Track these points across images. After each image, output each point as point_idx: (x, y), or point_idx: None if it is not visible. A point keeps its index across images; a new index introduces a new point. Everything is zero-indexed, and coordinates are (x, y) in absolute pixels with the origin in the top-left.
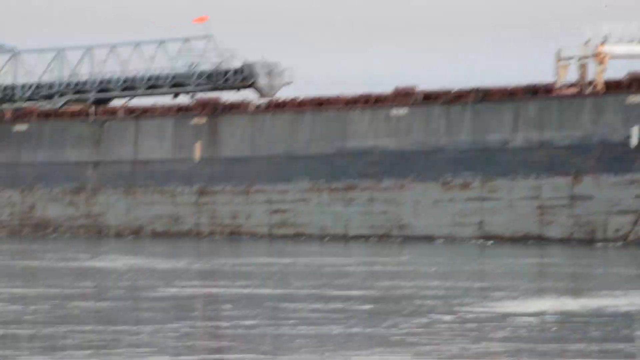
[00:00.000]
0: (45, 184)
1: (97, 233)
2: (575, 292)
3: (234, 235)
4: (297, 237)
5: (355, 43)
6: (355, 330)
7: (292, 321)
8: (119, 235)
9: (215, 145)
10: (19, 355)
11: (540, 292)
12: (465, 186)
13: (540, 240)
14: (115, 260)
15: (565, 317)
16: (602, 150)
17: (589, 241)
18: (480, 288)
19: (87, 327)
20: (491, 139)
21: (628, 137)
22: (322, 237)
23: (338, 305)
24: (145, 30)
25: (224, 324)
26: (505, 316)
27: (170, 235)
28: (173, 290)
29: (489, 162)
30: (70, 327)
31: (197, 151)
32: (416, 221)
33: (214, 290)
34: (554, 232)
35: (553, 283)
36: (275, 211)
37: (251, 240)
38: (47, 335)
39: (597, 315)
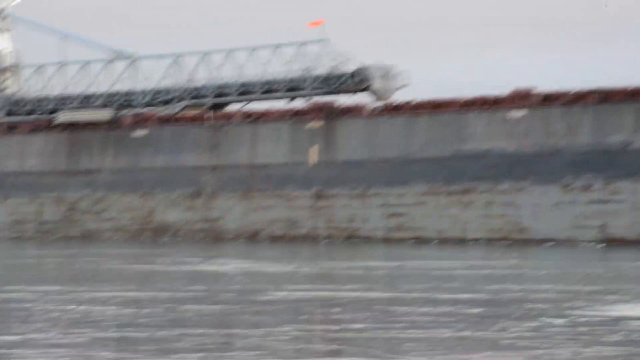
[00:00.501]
0: (164, 188)
1: (214, 237)
2: None
3: (351, 239)
4: (414, 240)
5: (471, 44)
6: (465, 333)
7: (401, 324)
8: (236, 239)
9: (331, 149)
10: (135, 357)
11: None
12: (586, 188)
13: None
14: (226, 264)
15: None
16: None
17: None
18: (592, 291)
19: (199, 330)
20: (612, 141)
21: None
22: (439, 241)
23: (447, 308)
24: (260, 35)
25: (334, 327)
26: (617, 320)
27: (287, 239)
28: (283, 294)
29: (610, 163)
30: (183, 331)
31: (313, 155)
32: (535, 224)
33: (323, 293)
34: None
35: None
36: (392, 215)
37: (367, 244)
38: (161, 338)
39: None
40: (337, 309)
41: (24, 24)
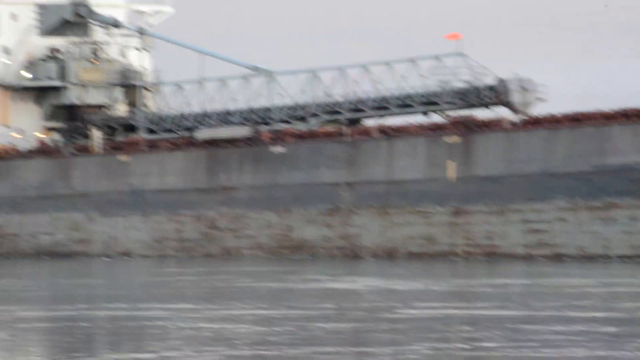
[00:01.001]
0: (302, 205)
1: (352, 254)
2: None
3: (490, 256)
4: (555, 257)
5: (611, 56)
6: (599, 353)
7: (533, 343)
8: (374, 256)
9: (470, 164)
10: None
11: None
12: None
13: None
14: (356, 282)
15: None
16: None
17: None
18: None
19: (330, 349)
20: None
21: None
22: (580, 258)
23: (580, 327)
24: (397, 49)
25: (465, 345)
26: None
27: (424, 257)
28: (413, 312)
29: None
30: (314, 349)
31: (451, 170)
32: None
33: (454, 311)
34: None
35: None
36: (532, 231)
37: (506, 261)
38: (292, 356)
39: None
40: (468, 327)
41: (164, 42)
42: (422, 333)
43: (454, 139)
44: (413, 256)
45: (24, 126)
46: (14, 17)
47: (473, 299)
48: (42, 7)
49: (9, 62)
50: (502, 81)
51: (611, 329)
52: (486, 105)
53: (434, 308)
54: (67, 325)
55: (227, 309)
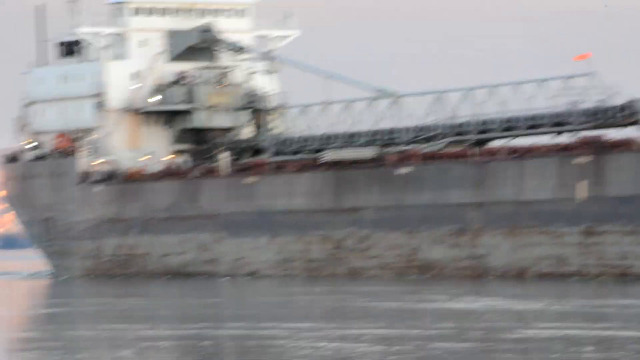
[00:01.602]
0: (429, 225)
1: (480, 275)
2: None
3: (622, 276)
4: None
5: None
6: None
7: None
8: (502, 277)
9: (601, 184)
10: None
11: None
12: None
13: None
14: (474, 302)
15: None
16: None
17: None
18: None
19: None
20: None
21: None
22: None
23: None
24: (525, 70)
25: None
26: None
27: (555, 277)
28: (531, 332)
29: None
30: None
31: (582, 190)
32: None
33: (573, 332)
34: None
35: None
36: None
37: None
38: None
39: None
40: (589, 348)
41: (290, 65)
42: (542, 353)
43: (584, 159)
44: (543, 277)
45: (153, 149)
46: (143, 43)
47: (596, 319)
48: (171, 34)
49: (139, 87)
50: (633, 101)
51: None
52: (617, 126)
53: (554, 328)
54: (189, 344)
55: (345, 328)
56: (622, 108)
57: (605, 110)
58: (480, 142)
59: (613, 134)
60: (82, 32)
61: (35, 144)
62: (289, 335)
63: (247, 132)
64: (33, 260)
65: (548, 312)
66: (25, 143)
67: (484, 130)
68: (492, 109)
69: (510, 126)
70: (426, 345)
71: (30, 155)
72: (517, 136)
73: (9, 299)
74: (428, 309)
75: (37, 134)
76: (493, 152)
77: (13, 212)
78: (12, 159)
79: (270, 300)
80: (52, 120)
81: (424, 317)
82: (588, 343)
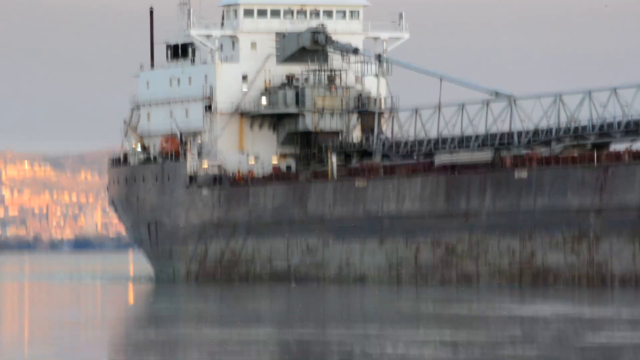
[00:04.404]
0: (545, 231)
1: (599, 282)
2: None
3: None
4: None
5: None
6: None
7: None
8: (623, 283)
9: None
10: None
11: None
12: None
13: None
14: (536, 308)
15: None
16: None
17: None
18: None
19: None
20: None
21: None
22: None
23: None
24: None
25: None
26: None
27: None
28: (597, 339)
29: None
30: None
31: None
32: None
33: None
34: None
35: None
36: None
37: None
38: None
39: None
40: None
41: (401, 67)
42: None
43: None
44: None
45: (260, 152)
46: (253, 45)
47: None
48: (281, 36)
49: (247, 90)
50: None
51: None
52: None
53: (624, 336)
54: (254, 348)
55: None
56: None
57: None
58: (600, 146)
59: None
60: (193, 34)
61: (142, 146)
62: (356, 341)
63: (356, 135)
64: (112, 262)
65: (619, 319)
66: (132, 146)
67: (604, 133)
68: (613, 111)
69: (632, 129)
70: (494, 352)
71: (138, 157)
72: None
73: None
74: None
75: (144, 136)
76: (616, 156)
77: (117, 214)
78: (119, 161)
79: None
80: (160, 122)
81: (492, 322)
82: None
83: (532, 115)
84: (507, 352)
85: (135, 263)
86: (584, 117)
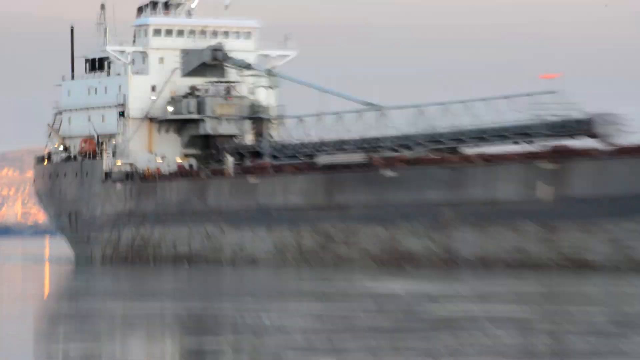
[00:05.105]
0: (407, 220)
1: (451, 264)
2: None
3: (580, 266)
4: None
5: None
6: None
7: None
8: (471, 266)
9: (563, 186)
10: (313, 358)
11: None
12: None
13: None
14: (391, 284)
15: None
16: None
17: None
18: None
19: (369, 338)
20: None
21: None
22: None
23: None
24: (495, 86)
25: (481, 337)
26: None
27: (519, 267)
28: (437, 310)
29: None
30: (354, 338)
31: (544, 192)
32: None
33: (471, 310)
34: None
35: None
36: (617, 244)
37: (592, 271)
38: (335, 344)
39: None
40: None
41: (288, 80)
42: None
43: (547, 165)
44: (508, 266)
45: (166, 153)
46: (161, 60)
47: (493, 299)
48: (185, 52)
49: (156, 99)
50: (591, 115)
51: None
52: (576, 137)
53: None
54: (153, 320)
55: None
56: (582, 122)
57: (566, 124)
58: (454, 149)
59: (574, 143)
60: (108, 49)
61: (64, 147)
62: (230, 313)
63: (249, 138)
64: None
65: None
66: (55, 146)
67: (457, 139)
68: (465, 121)
69: (480, 136)
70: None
71: (60, 156)
72: (486, 144)
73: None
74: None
75: (65, 138)
76: (466, 158)
77: (41, 205)
78: (44, 159)
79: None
80: (79, 126)
81: (344, 296)
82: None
83: (398, 123)
84: (361, 323)
85: (52, 247)
86: (440, 126)
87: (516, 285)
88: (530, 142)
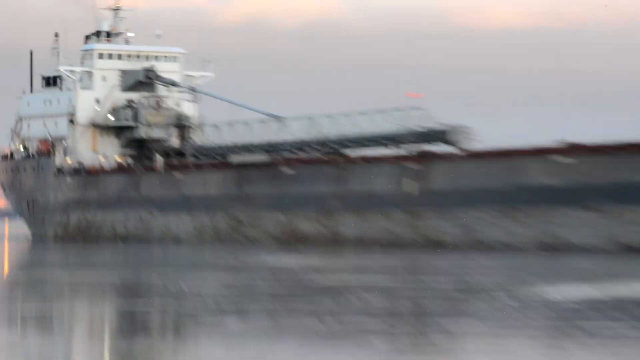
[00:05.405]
0: (303, 208)
1: (337, 244)
2: None
3: (438, 246)
4: (481, 247)
5: (521, 107)
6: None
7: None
8: (352, 244)
9: (425, 182)
10: (221, 318)
11: None
12: (606, 211)
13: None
14: (285, 259)
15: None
16: None
17: None
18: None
19: (266, 302)
20: (620, 179)
21: None
22: (505, 248)
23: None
24: (372, 102)
25: (355, 301)
26: None
27: (389, 245)
28: (321, 280)
29: (619, 193)
30: (254, 302)
31: (411, 187)
32: (567, 234)
33: (348, 279)
34: None
35: None
36: (465, 228)
37: (447, 248)
38: (239, 307)
39: None
40: (356, 291)
41: (207, 95)
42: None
43: (414, 165)
44: (380, 245)
45: (107, 152)
46: (104, 78)
47: (367, 271)
48: (123, 72)
49: (99, 109)
50: (448, 126)
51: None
52: (435, 143)
53: (340, 278)
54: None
55: (198, 275)
56: (440, 131)
57: (428, 133)
58: (340, 152)
59: (435, 148)
60: (61, 69)
61: (24, 147)
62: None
63: (175, 142)
64: None
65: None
66: (17, 146)
67: (343, 144)
68: (348, 129)
69: (361, 141)
70: (252, 283)
71: (20, 154)
72: (365, 148)
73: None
74: (248, 264)
75: (25, 140)
76: (349, 159)
77: (5, 194)
78: (7, 157)
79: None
80: (37, 131)
81: (249, 268)
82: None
83: (295, 131)
84: (260, 290)
85: (11, 228)
86: (328, 133)
87: (385, 260)
88: (399, 147)
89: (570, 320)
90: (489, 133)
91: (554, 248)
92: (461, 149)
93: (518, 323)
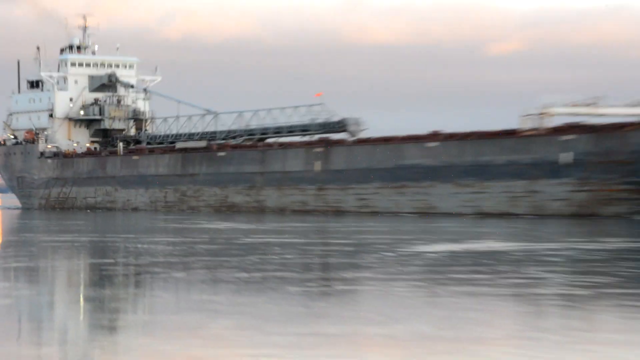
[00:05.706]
0: (234, 184)
1: (261, 211)
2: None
3: (338, 212)
4: (373, 214)
5: (401, 105)
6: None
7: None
8: (273, 212)
9: (328, 163)
10: (169, 271)
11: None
12: (467, 185)
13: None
14: (220, 224)
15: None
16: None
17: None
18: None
19: (206, 258)
20: (482, 161)
21: (557, 158)
22: (387, 214)
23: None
24: (286, 100)
25: (274, 257)
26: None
27: (302, 213)
28: (248, 240)
29: (482, 172)
30: (195, 258)
31: (317, 166)
32: (440, 204)
33: (269, 239)
34: (521, 210)
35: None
36: (360, 199)
37: (345, 216)
38: (184, 262)
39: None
40: (277, 248)
41: (156, 95)
42: (252, 250)
43: (319, 149)
44: (295, 213)
45: (80, 140)
46: (76, 82)
47: (281, 233)
48: (91, 77)
49: (72, 106)
50: (344, 119)
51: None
52: (336, 132)
53: (260, 238)
54: (69, 245)
55: (153, 237)
56: (338, 122)
57: (330, 124)
58: (262, 139)
59: (335, 136)
60: (42, 74)
61: (14, 136)
62: (122, 241)
63: (133, 131)
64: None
65: (258, 229)
66: (8, 135)
67: (264, 133)
68: (269, 121)
69: (278, 131)
70: (194, 246)
71: (11, 141)
72: (282, 136)
73: None
74: (197, 227)
75: (15, 130)
76: (269, 145)
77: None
78: (0, 144)
79: (127, 223)
80: (24, 123)
81: (193, 232)
82: (276, 245)
83: (228, 122)
84: (200, 249)
85: (4, 200)
86: (253, 124)
87: (299, 224)
88: (308, 135)
89: (436, 267)
90: (376, 124)
91: (429, 214)
92: (354, 137)
93: (397, 271)
